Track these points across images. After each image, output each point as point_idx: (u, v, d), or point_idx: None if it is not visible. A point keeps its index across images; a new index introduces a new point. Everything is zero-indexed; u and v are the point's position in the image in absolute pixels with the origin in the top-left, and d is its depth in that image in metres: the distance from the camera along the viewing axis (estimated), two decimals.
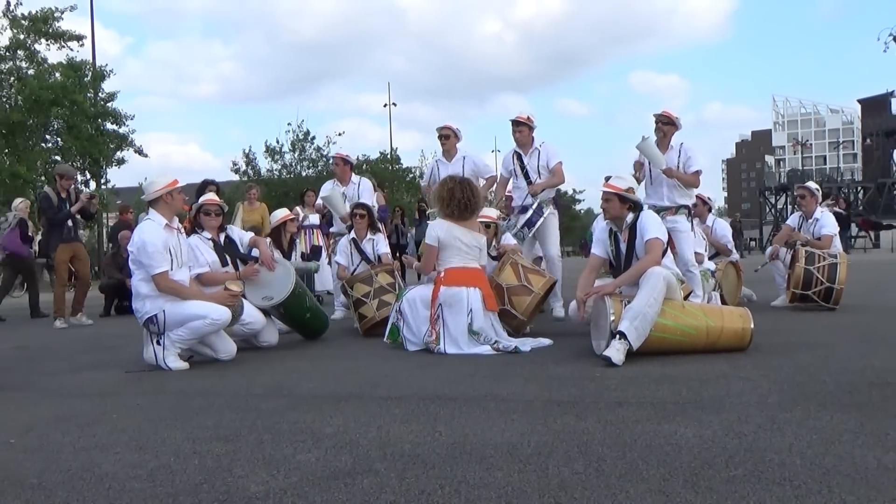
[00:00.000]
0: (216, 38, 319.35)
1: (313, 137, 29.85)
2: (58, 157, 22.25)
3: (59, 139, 22.43)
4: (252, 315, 5.29)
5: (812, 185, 8.10)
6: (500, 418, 3.07)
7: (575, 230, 51.39)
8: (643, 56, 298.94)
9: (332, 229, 9.02)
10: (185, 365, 4.78)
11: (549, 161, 6.72)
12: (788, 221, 8.31)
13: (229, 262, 5.65)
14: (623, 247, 4.80)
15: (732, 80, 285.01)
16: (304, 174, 29.38)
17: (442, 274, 5.10)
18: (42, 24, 21.64)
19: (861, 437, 2.59)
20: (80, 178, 21.59)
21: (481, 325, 4.99)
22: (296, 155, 29.71)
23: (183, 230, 5.33)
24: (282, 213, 7.69)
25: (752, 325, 4.54)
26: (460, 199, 5.23)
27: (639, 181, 6.47)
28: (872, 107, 59.56)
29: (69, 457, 2.75)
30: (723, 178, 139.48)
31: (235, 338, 5.52)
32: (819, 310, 6.88)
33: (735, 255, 8.46)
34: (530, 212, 6.52)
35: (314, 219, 10.89)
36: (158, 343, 4.79)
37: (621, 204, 4.79)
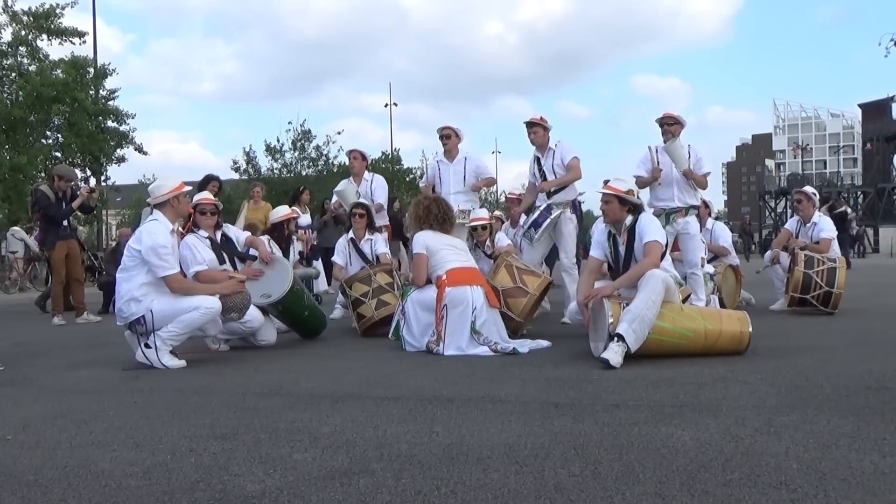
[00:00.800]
0: (218, 37, 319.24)
1: (314, 136, 29.84)
2: (58, 154, 22.27)
3: (59, 136, 22.43)
4: (250, 313, 5.27)
5: (809, 189, 8.10)
6: (497, 419, 3.07)
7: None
8: (645, 59, 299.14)
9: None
10: (181, 363, 4.77)
11: (564, 158, 6.58)
12: (787, 226, 8.32)
13: (227, 260, 5.65)
14: (622, 249, 4.79)
15: (733, 83, 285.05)
16: (304, 173, 29.37)
17: (444, 276, 5.09)
18: (43, 21, 21.64)
19: (858, 442, 2.60)
20: (80, 174, 21.61)
21: (485, 321, 5.00)
22: (296, 154, 29.69)
23: (182, 233, 5.35)
24: (284, 211, 7.69)
25: (751, 329, 4.54)
26: (437, 213, 5.34)
27: (657, 178, 6.44)
28: (873, 111, 59.54)
29: (65, 454, 2.74)
30: (723, 182, 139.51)
31: (234, 336, 5.52)
32: (817, 314, 6.89)
33: (734, 259, 8.47)
34: (537, 212, 6.43)
35: (306, 219, 10.90)
36: (147, 346, 4.73)
37: (621, 206, 4.78)
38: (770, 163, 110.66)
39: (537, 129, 6.72)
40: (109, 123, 22.76)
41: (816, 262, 6.96)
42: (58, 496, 2.27)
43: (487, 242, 6.70)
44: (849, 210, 20.67)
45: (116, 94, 23.30)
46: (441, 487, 2.25)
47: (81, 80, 21.93)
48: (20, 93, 21.13)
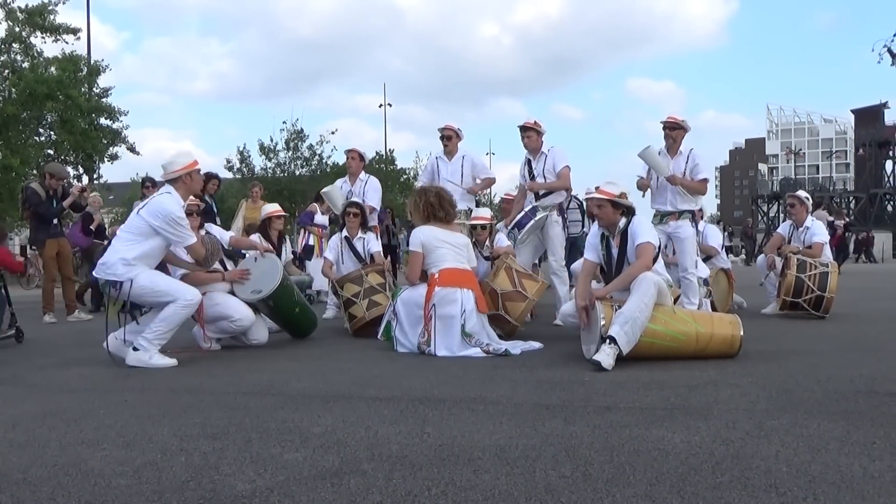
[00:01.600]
0: (213, 35, 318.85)
1: (307, 136, 29.84)
2: (50, 151, 22.18)
3: (52, 133, 22.33)
4: (241, 311, 5.28)
5: (802, 193, 8.13)
6: (488, 421, 3.07)
7: None
8: (640, 62, 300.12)
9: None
10: (173, 361, 4.75)
11: (556, 165, 6.64)
12: (779, 230, 8.34)
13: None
14: (615, 252, 4.81)
15: (728, 87, 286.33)
16: (297, 173, 29.35)
17: (436, 275, 5.10)
18: (37, 17, 21.56)
19: (848, 446, 2.61)
20: (72, 172, 21.55)
21: (474, 326, 5.00)
22: (289, 154, 29.68)
23: None
24: (270, 208, 7.69)
25: (742, 333, 4.55)
26: (437, 205, 5.30)
27: (646, 188, 6.49)
28: (866, 117, 59.90)
29: (55, 452, 2.73)
30: (716, 186, 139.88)
31: (226, 335, 5.51)
32: (809, 318, 6.91)
33: (725, 261, 8.50)
34: (521, 213, 6.47)
35: (324, 219, 10.91)
36: (135, 349, 4.71)
37: (614, 210, 4.79)
38: (763, 167, 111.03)
39: (531, 133, 6.75)
40: (103, 121, 22.66)
41: (809, 266, 6.99)
42: (47, 495, 2.26)
43: (487, 243, 6.68)
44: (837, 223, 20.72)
45: (110, 91, 23.20)
46: (432, 488, 2.25)
47: (75, 77, 21.83)
48: (13, 90, 21.05)
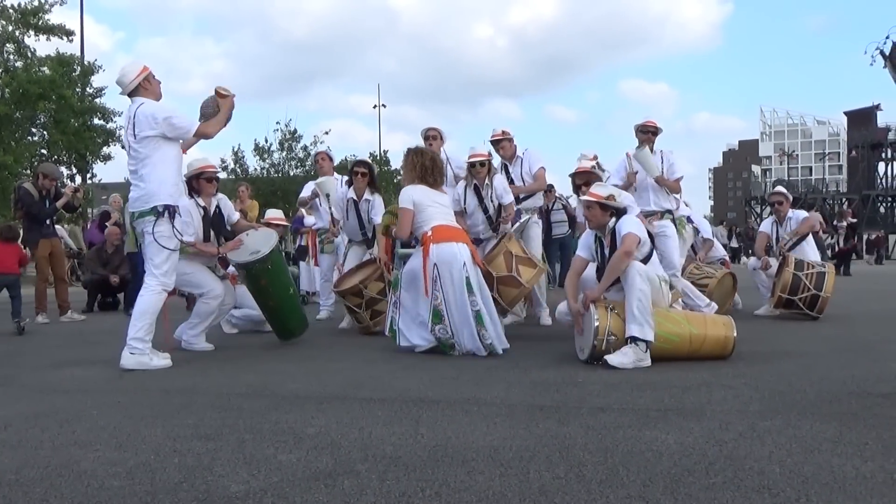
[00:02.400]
0: (208, 36, 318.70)
1: (301, 136, 29.83)
2: (44, 151, 22.13)
3: (45, 133, 22.27)
4: (209, 283, 5.45)
5: (783, 189, 8.19)
6: (482, 422, 3.07)
7: None
8: (634, 64, 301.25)
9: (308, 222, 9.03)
10: (167, 362, 4.73)
11: (532, 167, 6.73)
12: (762, 229, 8.27)
13: (213, 236, 5.69)
14: (608, 252, 4.82)
15: (721, 89, 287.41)
16: (291, 173, 29.32)
17: (429, 232, 5.07)
18: (31, 17, 21.50)
19: (840, 447, 2.62)
20: (66, 171, 21.50)
21: (477, 279, 5.05)
22: (283, 154, 29.66)
23: None
24: (273, 214, 7.78)
25: (735, 334, 4.56)
26: (430, 168, 5.28)
27: (630, 186, 6.51)
28: (858, 119, 60.09)
29: (48, 453, 2.72)
30: (709, 187, 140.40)
31: (241, 323, 5.59)
32: (801, 319, 6.93)
33: (721, 250, 8.43)
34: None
35: (309, 220, 10.87)
36: (132, 353, 4.65)
37: (602, 211, 4.79)
38: (756, 169, 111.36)
39: (504, 143, 6.88)
40: (96, 121, 22.61)
41: (806, 265, 7.02)
42: (39, 496, 2.25)
43: (487, 181, 6.46)
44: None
45: (104, 91, 23.16)
46: (426, 489, 2.25)
47: (68, 77, 21.79)
48: (6, 89, 20.98)
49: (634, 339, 4.31)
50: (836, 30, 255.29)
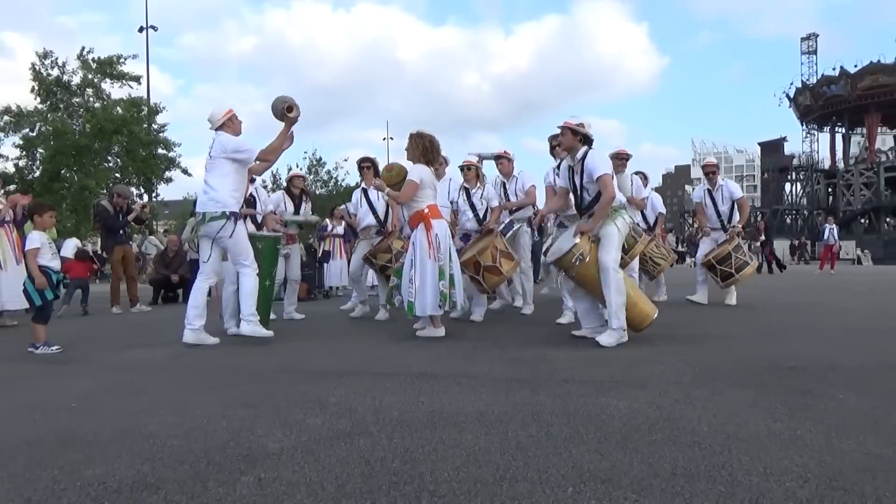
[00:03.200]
0: (250, 82, 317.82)
1: (325, 163, 30.02)
2: (117, 175, 22.09)
3: (118, 160, 22.22)
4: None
5: (713, 159, 7.85)
6: (470, 392, 3.07)
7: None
8: (591, 104, 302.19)
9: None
10: (269, 333, 4.95)
11: (525, 184, 6.64)
12: (695, 198, 7.76)
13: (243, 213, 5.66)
14: (577, 179, 4.63)
15: (660, 124, 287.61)
16: (317, 192, 29.31)
17: (426, 210, 5.02)
18: (107, 67, 21.46)
19: (756, 410, 2.62)
20: (135, 191, 21.46)
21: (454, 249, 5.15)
22: (311, 177, 29.70)
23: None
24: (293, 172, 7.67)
25: (656, 316, 4.51)
26: (429, 148, 5.14)
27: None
28: (769, 148, 60.35)
29: (120, 419, 2.71)
30: None
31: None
32: (727, 307, 6.96)
33: (661, 206, 8.20)
34: (503, 225, 6.52)
35: (339, 229, 10.83)
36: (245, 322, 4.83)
37: (573, 136, 4.56)
38: (689, 188, 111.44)
39: (503, 161, 6.74)
40: (160, 151, 22.57)
41: (741, 252, 7.07)
42: (113, 453, 2.24)
43: (479, 185, 6.41)
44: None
45: (166, 127, 23.13)
46: (425, 446, 2.24)
47: (138, 116, 21.76)
48: (87, 125, 20.93)
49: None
50: (751, 77, 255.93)
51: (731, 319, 6.00)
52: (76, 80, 21.33)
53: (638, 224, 6.71)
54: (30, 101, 21.06)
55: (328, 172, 29.88)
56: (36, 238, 4.81)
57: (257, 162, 5.01)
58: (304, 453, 2.19)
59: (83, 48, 21.33)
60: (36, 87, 20.91)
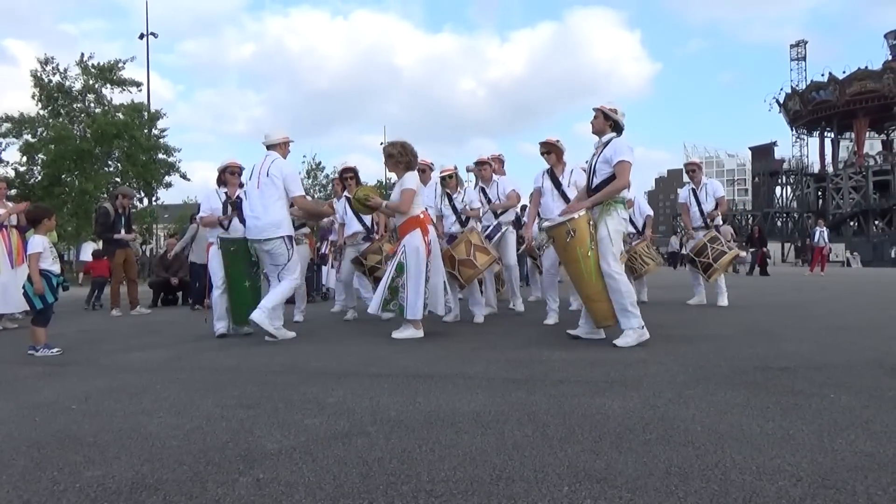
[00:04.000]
0: (249, 88, 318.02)
1: (324, 167, 30.00)
2: (118, 180, 22.05)
3: (119, 165, 22.18)
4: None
5: (696, 159, 7.90)
6: (466, 392, 3.06)
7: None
8: (585, 110, 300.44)
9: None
10: (292, 334, 5.21)
11: (505, 189, 6.71)
12: (682, 199, 7.76)
13: (230, 213, 5.72)
14: (595, 161, 4.56)
15: (653, 129, 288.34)
16: (316, 196, 29.30)
17: (421, 216, 5.05)
18: (108, 73, 21.44)
19: (748, 410, 2.62)
20: (136, 195, 21.44)
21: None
22: (309, 181, 29.70)
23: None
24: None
25: (612, 323, 4.44)
26: (407, 151, 5.13)
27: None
28: (760, 153, 60.62)
29: (120, 420, 2.69)
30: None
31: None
32: (719, 309, 6.96)
33: (648, 209, 8.22)
34: (490, 228, 6.63)
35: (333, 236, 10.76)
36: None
37: (605, 120, 4.53)
38: (680, 190, 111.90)
39: (485, 166, 6.78)
40: (160, 156, 22.54)
41: (718, 243, 7.08)
42: (113, 454, 2.22)
43: (459, 190, 6.48)
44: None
45: (166, 132, 23.11)
46: (422, 446, 2.23)
47: (139, 121, 21.74)
48: (88, 130, 20.89)
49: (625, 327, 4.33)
50: (742, 83, 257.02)
51: (723, 320, 6.00)
52: (77, 85, 21.31)
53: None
54: (32, 107, 21.07)
55: (326, 176, 29.87)
56: (38, 242, 4.79)
57: (293, 205, 5.33)
58: (303, 454, 2.18)
59: (82, 54, 21.33)
60: (37, 94, 20.88)
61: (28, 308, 5.08)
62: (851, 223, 52.20)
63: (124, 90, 21.90)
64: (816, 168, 58.12)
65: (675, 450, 2.13)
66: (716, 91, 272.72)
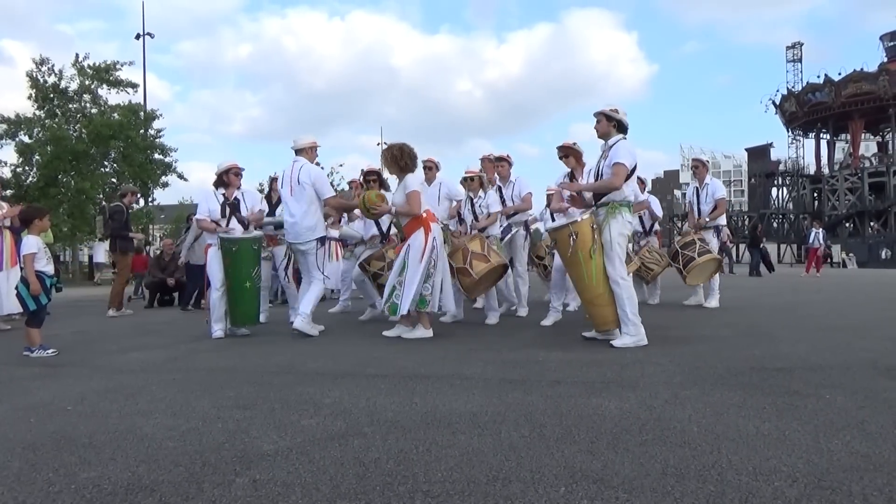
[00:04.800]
0: (246, 89, 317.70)
1: (322, 168, 29.98)
2: (114, 180, 22.01)
3: (115, 165, 22.13)
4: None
5: (701, 157, 7.92)
6: (463, 393, 3.06)
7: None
8: (582, 111, 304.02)
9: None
10: (320, 327, 5.49)
11: (522, 191, 6.60)
12: (687, 198, 7.82)
13: (228, 217, 5.71)
14: (601, 164, 4.60)
15: (650, 130, 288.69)
16: None
17: (424, 215, 5.05)
18: (104, 74, 21.40)
19: (744, 410, 2.63)
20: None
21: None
22: None
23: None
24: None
25: (610, 329, 4.49)
26: (405, 154, 5.13)
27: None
28: (756, 154, 60.70)
29: (115, 421, 2.68)
30: None
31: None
32: (714, 310, 6.97)
33: (660, 204, 8.18)
34: (501, 228, 6.56)
35: (333, 232, 10.72)
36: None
37: (608, 122, 4.55)
38: (677, 192, 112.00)
39: (504, 163, 6.70)
40: (156, 156, 22.50)
41: (697, 246, 7.09)
42: (108, 455, 2.22)
43: (480, 192, 6.43)
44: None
45: (162, 132, 23.05)
46: (419, 447, 2.23)
47: (135, 121, 21.70)
48: (84, 131, 20.85)
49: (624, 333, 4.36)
50: (738, 85, 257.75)
51: (719, 321, 6.01)
52: (73, 86, 21.27)
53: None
54: (28, 108, 21.02)
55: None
56: (32, 243, 4.77)
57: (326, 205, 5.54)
58: (299, 454, 2.18)
59: (77, 55, 21.29)
60: (33, 94, 20.83)
61: (22, 309, 5.06)
62: (847, 224, 52.35)
63: (120, 91, 21.89)
64: (812, 169, 58.29)
65: (672, 450, 2.13)
66: (712, 92, 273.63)
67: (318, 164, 6.00)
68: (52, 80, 21.03)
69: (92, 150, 20.99)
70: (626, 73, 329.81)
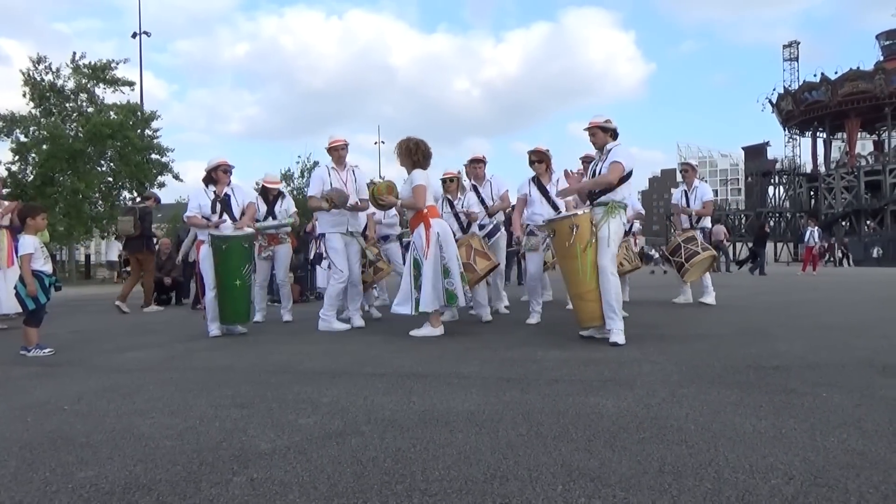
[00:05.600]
0: (244, 88, 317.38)
1: (318, 166, 29.99)
2: (111, 179, 21.95)
3: (112, 165, 22.06)
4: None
5: (690, 161, 8.07)
6: (461, 391, 3.06)
7: None
8: (579, 110, 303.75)
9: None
10: (346, 326, 5.73)
11: (499, 189, 6.62)
12: (674, 200, 7.94)
13: (219, 214, 5.71)
14: (597, 168, 4.66)
15: (647, 129, 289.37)
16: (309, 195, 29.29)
17: (425, 210, 5.06)
18: (101, 73, 21.33)
19: (741, 408, 2.63)
20: (128, 196, 21.41)
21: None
22: (303, 180, 29.71)
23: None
24: (269, 177, 7.62)
25: (596, 325, 4.52)
26: (420, 150, 5.15)
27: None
28: (753, 153, 60.85)
29: (113, 420, 2.68)
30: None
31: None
32: (710, 308, 6.98)
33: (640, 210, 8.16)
34: (490, 227, 6.58)
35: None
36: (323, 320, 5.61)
37: (604, 133, 4.63)
38: (675, 191, 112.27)
39: (479, 164, 6.70)
40: (153, 156, 22.44)
41: (693, 243, 7.10)
42: (106, 455, 2.21)
43: (459, 195, 6.48)
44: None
45: (160, 132, 22.99)
46: (416, 445, 2.23)
47: (132, 121, 21.63)
48: (80, 130, 20.78)
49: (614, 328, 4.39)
50: (735, 84, 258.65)
51: (716, 320, 6.02)
52: (70, 84, 21.20)
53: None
54: (23, 107, 20.94)
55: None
56: (29, 243, 4.75)
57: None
58: (297, 453, 2.18)
59: (74, 53, 21.27)
60: (29, 93, 20.76)
61: (20, 309, 5.04)
62: (843, 223, 52.48)
63: (117, 90, 21.81)
64: (809, 168, 58.43)
65: (669, 448, 2.13)
66: (709, 91, 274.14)
67: (317, 162, 6.18)
68: (48, 78, 20.95)
69: (89, 150, 20.92)
70: (623, 72, 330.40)
